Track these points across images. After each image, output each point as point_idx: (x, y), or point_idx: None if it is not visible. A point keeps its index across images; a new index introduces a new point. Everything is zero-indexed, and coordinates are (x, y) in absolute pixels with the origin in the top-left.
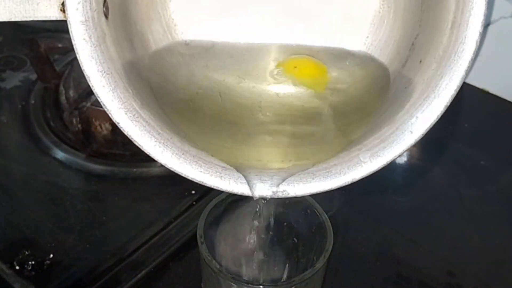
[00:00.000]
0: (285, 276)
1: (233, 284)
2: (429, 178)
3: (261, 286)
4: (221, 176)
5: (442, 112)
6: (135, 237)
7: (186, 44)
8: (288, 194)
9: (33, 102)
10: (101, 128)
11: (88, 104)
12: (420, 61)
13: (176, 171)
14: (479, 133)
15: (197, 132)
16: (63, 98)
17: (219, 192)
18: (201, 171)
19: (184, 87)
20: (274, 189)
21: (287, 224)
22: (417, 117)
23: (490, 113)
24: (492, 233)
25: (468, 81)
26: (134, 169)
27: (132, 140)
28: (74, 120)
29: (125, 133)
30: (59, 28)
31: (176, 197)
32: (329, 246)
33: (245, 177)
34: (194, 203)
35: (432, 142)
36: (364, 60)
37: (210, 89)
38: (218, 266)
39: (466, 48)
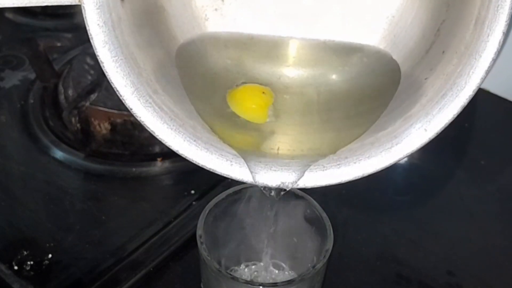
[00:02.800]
0: (285, 276)
1: (233, 284)
2: (429, 178)
3: (260, 286)
4: (232, 164)
5: (459, 112)
6: (134, 236)
7: (206, 19)
8: (298, 185)
9: (32, 101)
10: (100, 127)
11: (87, 104)
12: (443, 52)
13: (187, 158)
14: (479, 133)
15: (211, 115)
16: (62, 97)
17: (219, 191)
18: (211, 159)
19: (202, 68)
20: (284, 179)
21: (287, 224)
22: (432, 115)
23: (490, 113)
24: (492, 233)
25: None
26: (134, 169)
27: (145, 126)
28: (73, 119)
29: (138, 118)
30: (58, 27)
31: (175, 196)
32: (329, 246)
33: (254, 166)
34: (194, 202)
35: (432, 141)
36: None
37: (227, 69)
38: (217, 266)
39: (488, 48)
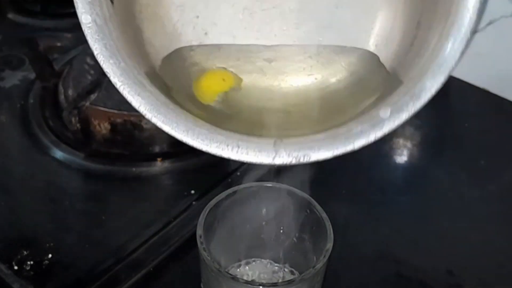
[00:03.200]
0: (285, 276)
1: (233, 284)
2: (429, 178)
3: (260, 286)
4: (239, 146)
5: (454, 67)
6: (134, 236)
7: (190, 41)
8: (310, 158)
9: (32, 101)
10: (100, 127)
11: (87, 103)
12: (429, 29)
13: (193, 145)
14: (479, 133)
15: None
16: (62, 97)
17: (219, 191)
18: (218, 142)
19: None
20: (295, 154)
21: (287, 224)
22: (433, 71)
23: (490, 113)
24: (492, 233)
25: (468, 80)
26: (134, 169)
27: (145, 115)
28: (73, 119)
29: (136, 108)
30: (58, 27)
31: (175, 196)
32: (329, 246)
33: (264, 144)
34: (194, 202)
35: (432, 141)
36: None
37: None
38: (217, 266)
39: (468, 3)
